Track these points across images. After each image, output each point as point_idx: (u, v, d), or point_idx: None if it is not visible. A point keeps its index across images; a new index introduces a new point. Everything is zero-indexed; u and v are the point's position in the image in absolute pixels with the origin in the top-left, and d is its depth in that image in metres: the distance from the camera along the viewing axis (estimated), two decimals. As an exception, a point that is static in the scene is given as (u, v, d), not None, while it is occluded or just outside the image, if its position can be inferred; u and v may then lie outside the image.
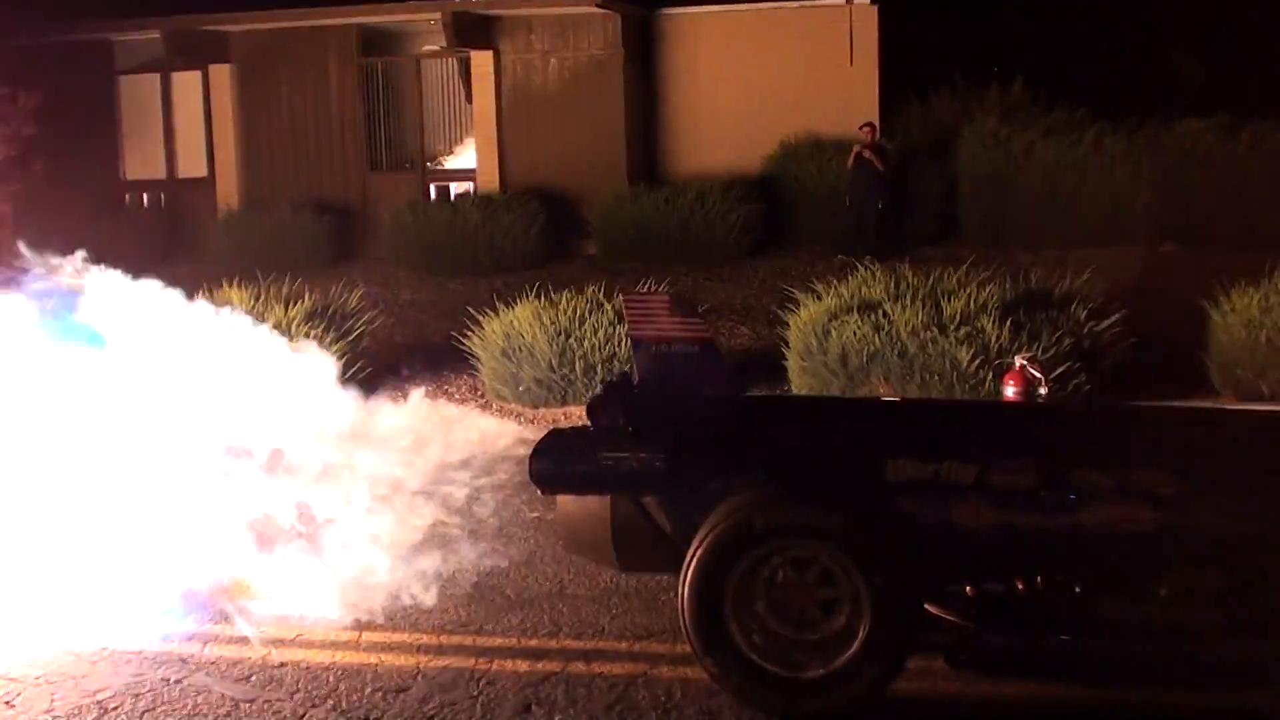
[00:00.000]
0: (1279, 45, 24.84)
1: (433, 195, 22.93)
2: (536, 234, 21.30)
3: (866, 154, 20.10)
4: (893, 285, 13.65)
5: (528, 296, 14.64)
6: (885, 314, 13.05)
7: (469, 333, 14.39)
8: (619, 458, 6.51)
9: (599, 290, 14.60)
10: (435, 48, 23.12)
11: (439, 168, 23.72)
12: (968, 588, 6.19)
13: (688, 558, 6.22)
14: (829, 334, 13.00)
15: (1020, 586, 6.11)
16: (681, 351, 6.95)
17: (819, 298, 13.72)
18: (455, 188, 23.03)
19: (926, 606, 6.09)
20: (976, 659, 6.19)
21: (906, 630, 6.03)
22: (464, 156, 23.58)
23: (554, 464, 6.70)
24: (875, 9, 22.46)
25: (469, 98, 23.09)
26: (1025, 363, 10.58)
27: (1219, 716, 6.34)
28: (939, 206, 21.17)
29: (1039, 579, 6.09)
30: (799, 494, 6.24)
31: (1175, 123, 20.29)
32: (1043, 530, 6.09)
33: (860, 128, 20.44)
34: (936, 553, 6.17)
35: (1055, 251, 18.71)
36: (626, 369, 7.63)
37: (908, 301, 13.18)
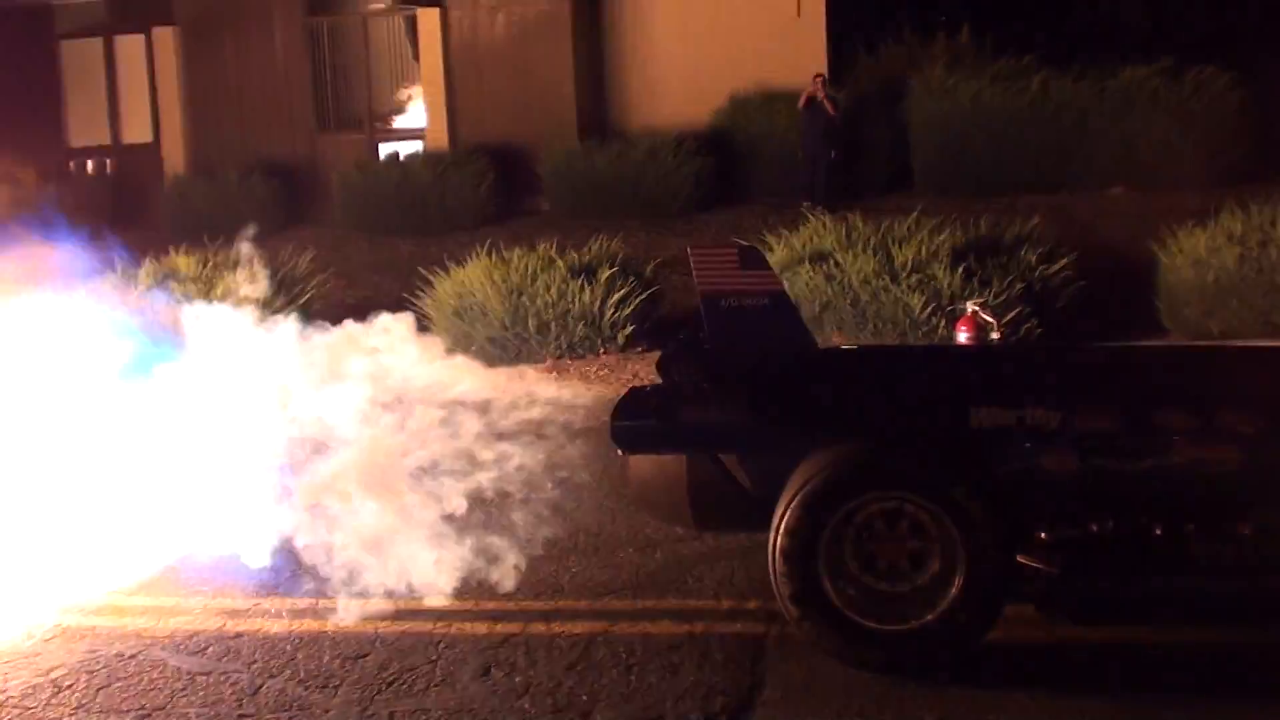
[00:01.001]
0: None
1: (382, 155, 22.79)
2: (487, 192, 21.23)
3: (820, 96, 20.09)
4: (844, 235, 13.69)
5: (479, 255, 14.58)
6: (837, 263, 13.09)
7: (421, 293, 14.33)
8: (701, 415, 6.46)
9: (551, 247, 14.57)
10: (382, 5, 23.00)
11: (388, 127, 23.58)
12: (1055, 534, 6.18)
13: (778, 515, 6.15)
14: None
15: (1105, 530, 6.12)
16: (752, 304, 6.84)
17: (771, 249, 13.72)
18: (405, 147, 22.88)
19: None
20: (1066, 605, 6.21)
21: (1001, 579, 6.01)
22: (413, 115, 23.43)
23: (635, 423, 6.58)
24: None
25: (416, 55, 22.94)
26: (977, 308, 10.65)
27: None
28: (889, 156, 21.22)
29: (1124, 522, 6.12)
30: (889, 446, 6.19)
31: (1120, 68, 20.35)
32: (1126, 474, 6.10)
33: (813, 78, 20.43)
34: (1023, 500, 6.16)
35: (1005, 198, 18.79)
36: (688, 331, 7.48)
37: (859, 251, 13.23)
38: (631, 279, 14.24)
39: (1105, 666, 6.21)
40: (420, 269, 14.65)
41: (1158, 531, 6.09)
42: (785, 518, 6.08)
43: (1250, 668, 6.19)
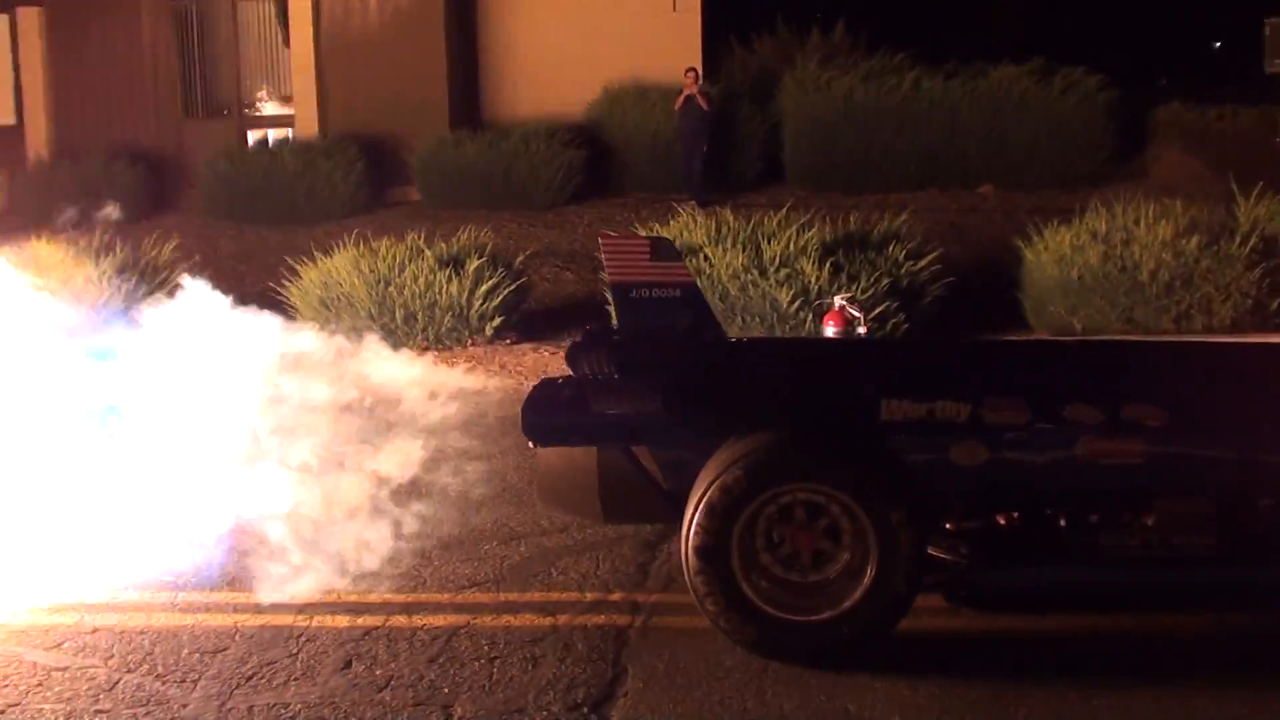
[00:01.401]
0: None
1: (251, 143, 22.51)
2: (357, 181, 21.06)
3: (695, 94, 20.14)
4: (714, 229, 13.73)
5: (347, 245, 14.44)
6: (706, 257, 13.12)
7: (287, 283, 14.16)
8: (613, 407, 6.39)
9: (420, 237, 14.47)
10: (252, -10, 22.70)
11: (257, 114, 23.32)
12: (963, 525, 6.27)
13: (690, 511, 6.12)
14: (651, 279, 12.99)
15: (1012, 521, 6.24)
16: (663, 295, 6.78)
17: (642, 242, 13.71)
18: (274, 134, 22.63)
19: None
20: (974, 596, 6.23)
21: (912, 570, 6.02)
22: (282, 103, 23.17)
23: (547, 415, 6.52)
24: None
25: (286, 41, 22.67)
26: (844, 303, 10.74)
27: (1209, 639, 6.46)
28: (762, 151, 21.38)
29: (1031, 514, 6.23)
30: (800, 438, 6.17)
31: (992, 68, 20.65)
32: (1034, 466, 6.16)
33: (685, 73, 20.47)
34: (933, 491, 6.19)
35: (876, 195, 19.02)
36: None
37: (728, 245, 13.27)
38: (500, 270, 14.18)
39: (998, 654, 6.30)
40: (287, 258, 14.47)
41: (1064, 523, 6.21)
42: (697, 514, 6.07)
43: (1155, 656, 6.29)
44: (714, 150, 20.37)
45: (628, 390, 6.43)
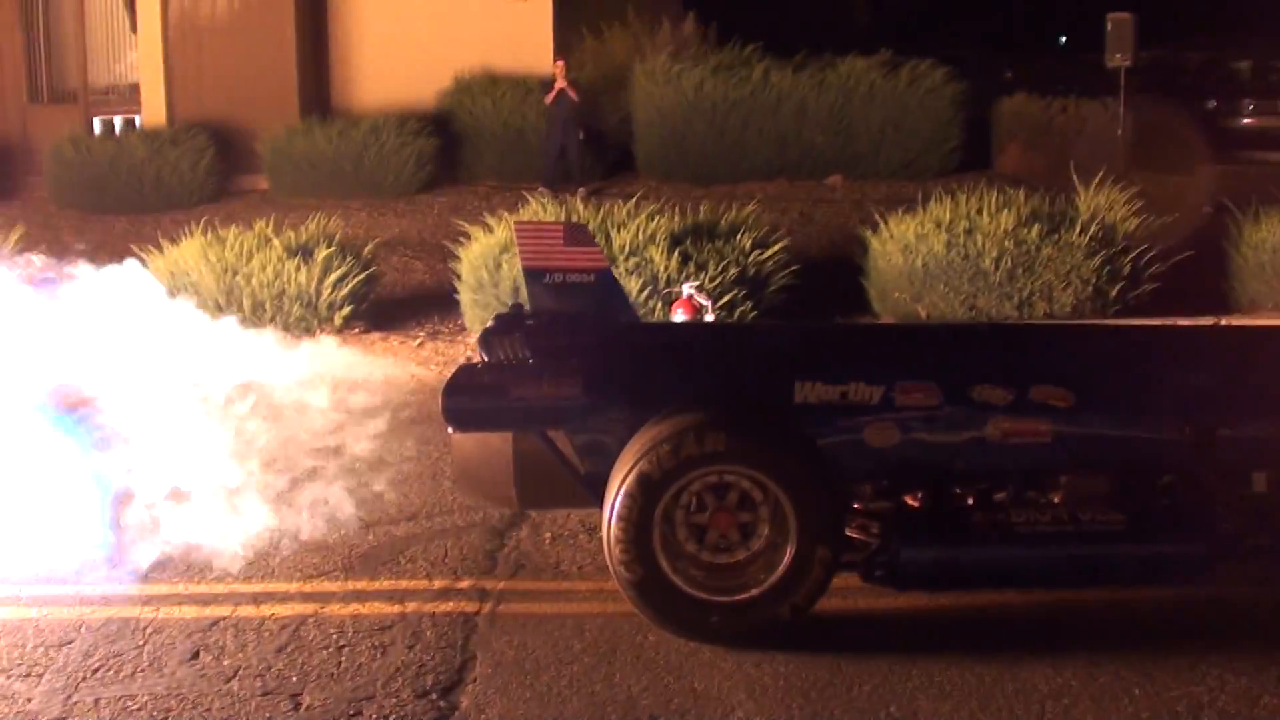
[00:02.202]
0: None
1: (97, 130, 22.13)
2: (206, 169, 20.77)
3: (566, 87, 20.33)
4: (564, 218, 13.78)
5: (195, 233, 14.30)
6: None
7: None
8: (529, 391, 6.38)
9: (268, 226, 14.36)
10: (98, -28, 22.31)
11: (104, 100, 22.89)
12: (877, 505, 6.43)
13: (609, 497, 6.17)
14: (500, 267, 13.08)
15: (924, 501, 6.40)
16: (577, 280, 6.86)
17: (491, 231, 13.77)
18: (120, 121, 22.26)
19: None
20: (889, 574, 6.34)
21: (829, 549, 6.12)
22: (130, 89, 22.77)
23: (464, 401, 6.47)
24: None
25: (134, 27, 22.30)
26: (693, 291, 10.87)
27: (1117, 611, 6.65)
28: (613, 142, 21.45)
29: (943, 493, 6.41)
30: (716, 421, 6.19)
31: (840, 61, 20.93)
32: (945, 446, 6.31)
33: (555, 63, 20.78)
34: (847, 472, 6.32)
35: (726, 185, 19.20)
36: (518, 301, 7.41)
37: (579, 235, 13.31)
38: (349, 259, 14.11)
39: (856, 633, 6.45)
40: (134, 247, 14.27)
41: (974, 501, 6.42)
42: (618, 498, 6.13)
43: (1062, 629, 6.49)
44: (587, 139, 20.57)
45: (546, 375, 6.44)
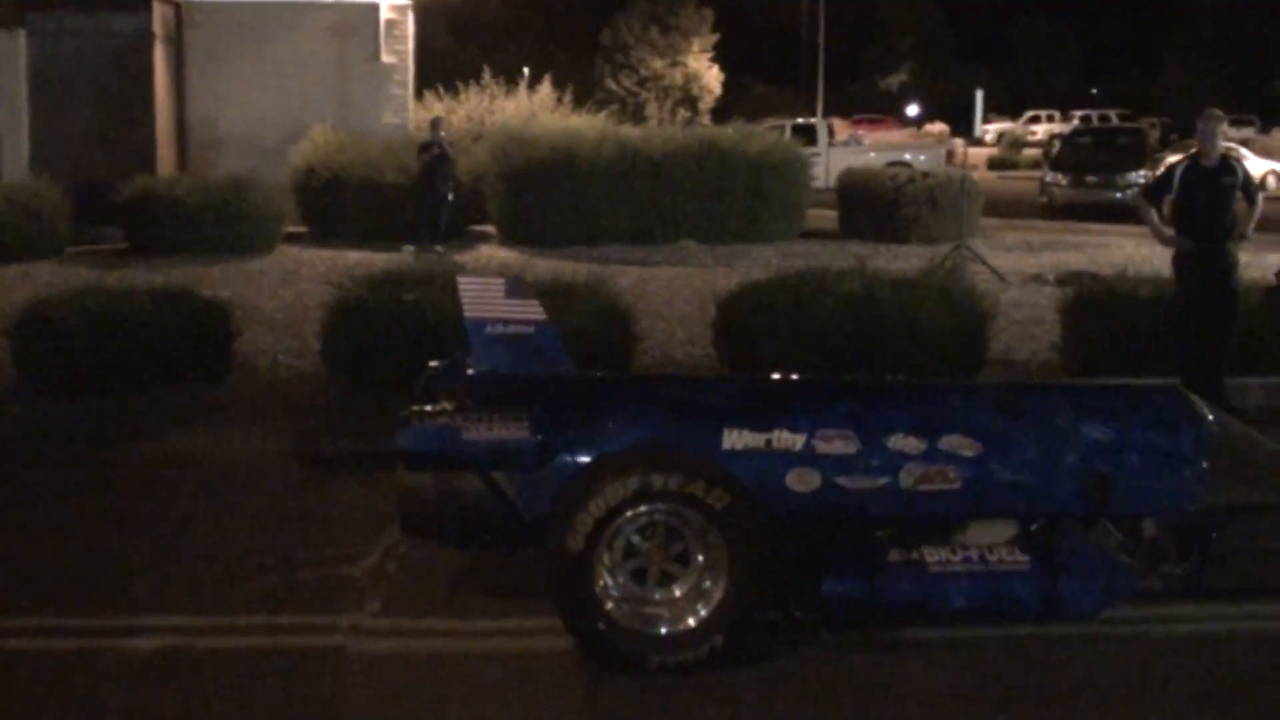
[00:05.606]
0: None
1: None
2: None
3: (439, 142, 21.05)
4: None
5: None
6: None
7: None
8: (478, 434, 6.54)
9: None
10: None
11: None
12: (800, 547, 6.69)
13: (552, 539, 6.33)
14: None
15: (844, 542, 6.69)
16: (517, 330, 7.15)
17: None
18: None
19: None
20: (812, 613, 6.68)
21: (760, 587, 6.40)
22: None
23: (416, 442, 6.61)
24: (409, 10, 23.01)
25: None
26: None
27: (1018, 644, 6.85)
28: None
29: (862, 535, 6.73)
30: (652, 465, 6.37)
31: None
32: (863, 491, 6.66)
33: (430, 123, 21.63)
34: (774, 514, 6.57)
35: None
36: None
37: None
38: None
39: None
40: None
41: (891, 543, 6.72)
42: (561, 537, 6.31)
43: (979, 666, 6.67)
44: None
45: (497, 419, 6.62)
